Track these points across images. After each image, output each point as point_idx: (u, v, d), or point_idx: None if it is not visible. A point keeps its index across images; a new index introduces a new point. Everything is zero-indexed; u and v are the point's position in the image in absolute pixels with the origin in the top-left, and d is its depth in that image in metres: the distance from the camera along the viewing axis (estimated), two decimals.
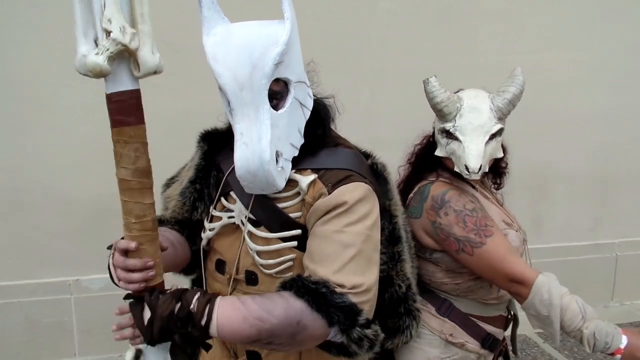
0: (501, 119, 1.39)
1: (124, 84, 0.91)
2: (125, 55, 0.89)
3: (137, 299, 0.96)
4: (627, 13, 3.25)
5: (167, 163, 1.38)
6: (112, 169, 0.94)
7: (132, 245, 0.95)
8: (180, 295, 0.95)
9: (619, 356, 1.21)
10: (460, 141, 1.36)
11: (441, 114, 1.40)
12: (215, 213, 1.20)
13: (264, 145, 0.99)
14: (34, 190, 2.64)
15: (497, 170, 1.53)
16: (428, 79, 1.40)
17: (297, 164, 1.11)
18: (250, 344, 1.02)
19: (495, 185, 1.57)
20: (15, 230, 2.65)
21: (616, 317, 3.38)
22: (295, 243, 1.10)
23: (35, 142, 2.61)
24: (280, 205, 1.11)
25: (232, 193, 1.18)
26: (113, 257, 0.99)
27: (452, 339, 1.43)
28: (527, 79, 1.56)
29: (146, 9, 0.82)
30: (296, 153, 1.10)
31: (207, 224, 1.21)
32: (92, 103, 2.59)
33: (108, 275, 1.05)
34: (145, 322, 0.93)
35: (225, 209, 1.19)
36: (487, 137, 1.36)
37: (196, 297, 0.95)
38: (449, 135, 1.39)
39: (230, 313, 0.95)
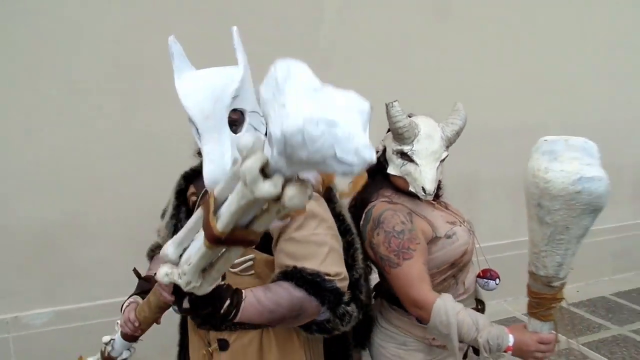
0: (447, 147, 1.53)
1: None
2: None
3: (181, 293, 1.09)
4: (541, 35, 3.66)
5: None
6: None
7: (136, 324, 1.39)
8: (215, 301, 1.14)
9: (510, 352, 1.36)
10: (417, 164, 1.47)
11: (400, 137, 1.48)
12: None
13: (227, 161, 1.18)
14: None
15: None
16: (392, 103, 1.47)
17: None
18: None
19: (435, 199, 1.66)
20: None
21: None
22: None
23: None
24: None
25: None
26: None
27: (435, 342, 1.52)
28: (454, 96, 1.75)
29: (223, 269, 0.96)
30: None
31: None
32: (34, 129, 2.50)
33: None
34: (183, 306, 1.12)
35: None
36: (438, 163, 1.49)
37: (227, 304, 1.17)
38: (405, 156, 1.49)
39: (249, 311, 1.20)
